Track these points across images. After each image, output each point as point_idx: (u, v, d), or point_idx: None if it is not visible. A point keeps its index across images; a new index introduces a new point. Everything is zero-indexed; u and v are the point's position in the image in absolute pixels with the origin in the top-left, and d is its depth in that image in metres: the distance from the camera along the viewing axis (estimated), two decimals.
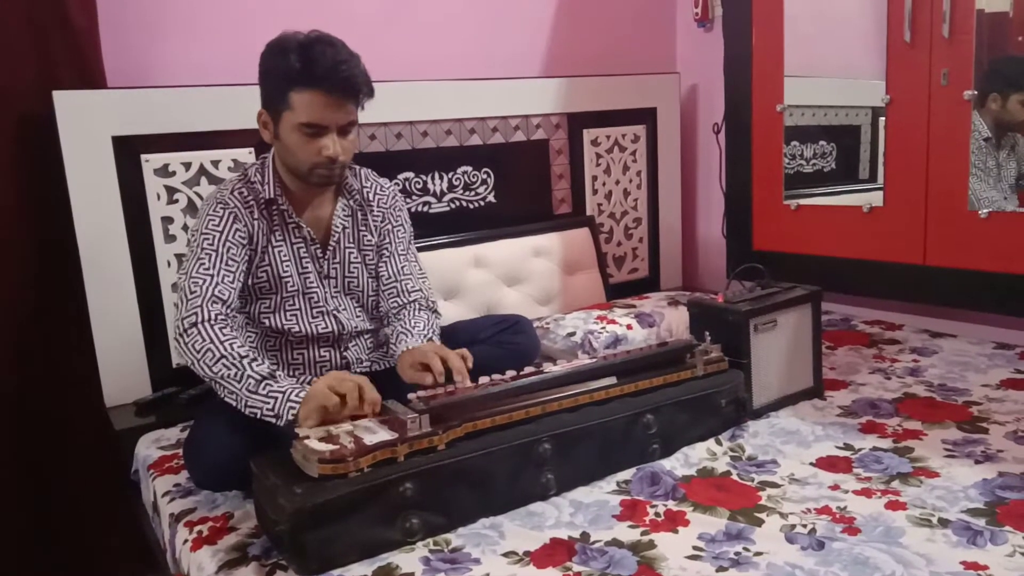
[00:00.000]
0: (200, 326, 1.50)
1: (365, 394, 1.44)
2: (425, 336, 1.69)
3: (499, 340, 1.89)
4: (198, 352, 1.49)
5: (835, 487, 1.47)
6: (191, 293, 1.55)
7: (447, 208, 2.53)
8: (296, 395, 1.42)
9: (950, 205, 2.11)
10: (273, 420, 1.43)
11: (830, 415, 1.80)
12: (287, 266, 1.70)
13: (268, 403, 1.43)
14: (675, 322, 2.36)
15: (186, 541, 1.45)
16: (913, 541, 1.28)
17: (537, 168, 2.71)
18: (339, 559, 1.27)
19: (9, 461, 2.02)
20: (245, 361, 1.46)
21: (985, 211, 2.04)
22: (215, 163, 2.11)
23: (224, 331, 1.50)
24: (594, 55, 2.90)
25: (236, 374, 1.45)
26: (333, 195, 1.76)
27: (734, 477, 1.53)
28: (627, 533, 1.35)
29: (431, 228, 2.44)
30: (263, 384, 1.44)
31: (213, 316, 1.52)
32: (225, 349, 1.47)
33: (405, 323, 1.73)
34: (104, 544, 2.13)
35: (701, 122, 3.07)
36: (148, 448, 1.87)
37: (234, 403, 1.47)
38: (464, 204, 2.57)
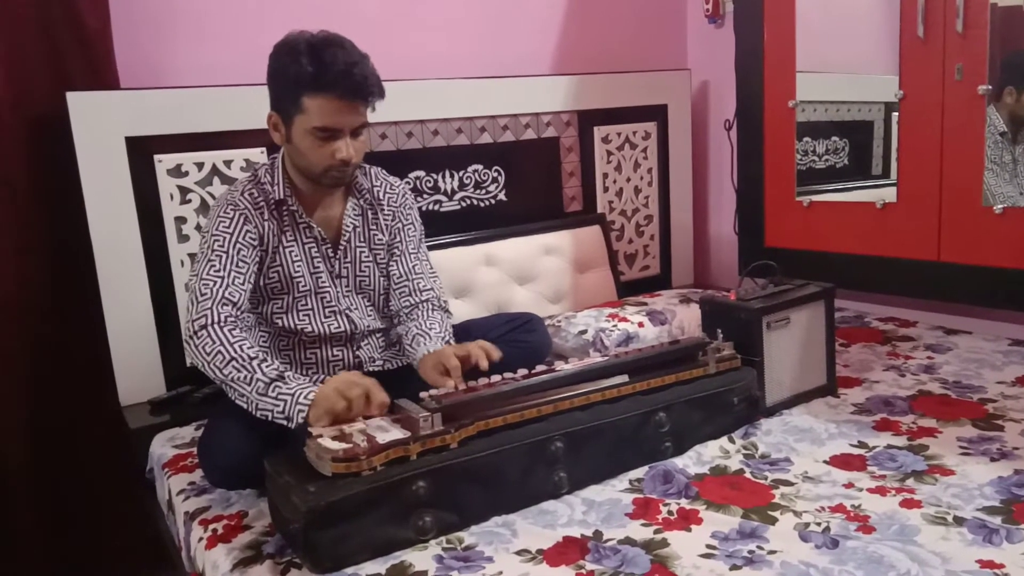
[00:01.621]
0: (210, 328, 1.51)
1: (372, 398, 1.44)
2: (443, 339, 1.70)
3: (511, 338, 1.89)
4: (208, 355, 1.49)
5: (849, 485, 1.46)
6: (201, 295, 1.55)
7: (458, 207, 2.53)
8: (305, 397, 1.42)
9: (964, 201, 2.09)
10: (284, 423, 1.43)
11: (844, 413, 1.79)
12: (299, 266, 1.70)
13: (278, 405, 1.43)
14: (687, 320, 2.35)
15: (201, 539, 1.46)
16: (928, 539, 1.27)
17: (548, 166, 2.71)
18: (352, 557, 1.28)
19: (25, 459, 2.03)
20: (255, 363, 1.47)
21: (1000, 207, 2.02)
22: (227, 163, 2.11)
23: (234, 333, 1.51)
24: (605, 52, 2.90)
25: (246, 377, 1.46)
26: (343, 195, 1.76)
27: (747, 475, 1.53)
28: (640, 531, 1.35)
29: (442, 227, 2.44)
30: (272, 387, 1.44)
31: (223, 318, 1.53)
32: (235, 351, 1.48)
33: (421, 325, 1.73)
34: (118, 542, 2.15)
35: (712, 119, 3.06)
36: (163, 446, 1.88)
37: (245, 406, 1.47)
38: (475, 202, 2.57)
